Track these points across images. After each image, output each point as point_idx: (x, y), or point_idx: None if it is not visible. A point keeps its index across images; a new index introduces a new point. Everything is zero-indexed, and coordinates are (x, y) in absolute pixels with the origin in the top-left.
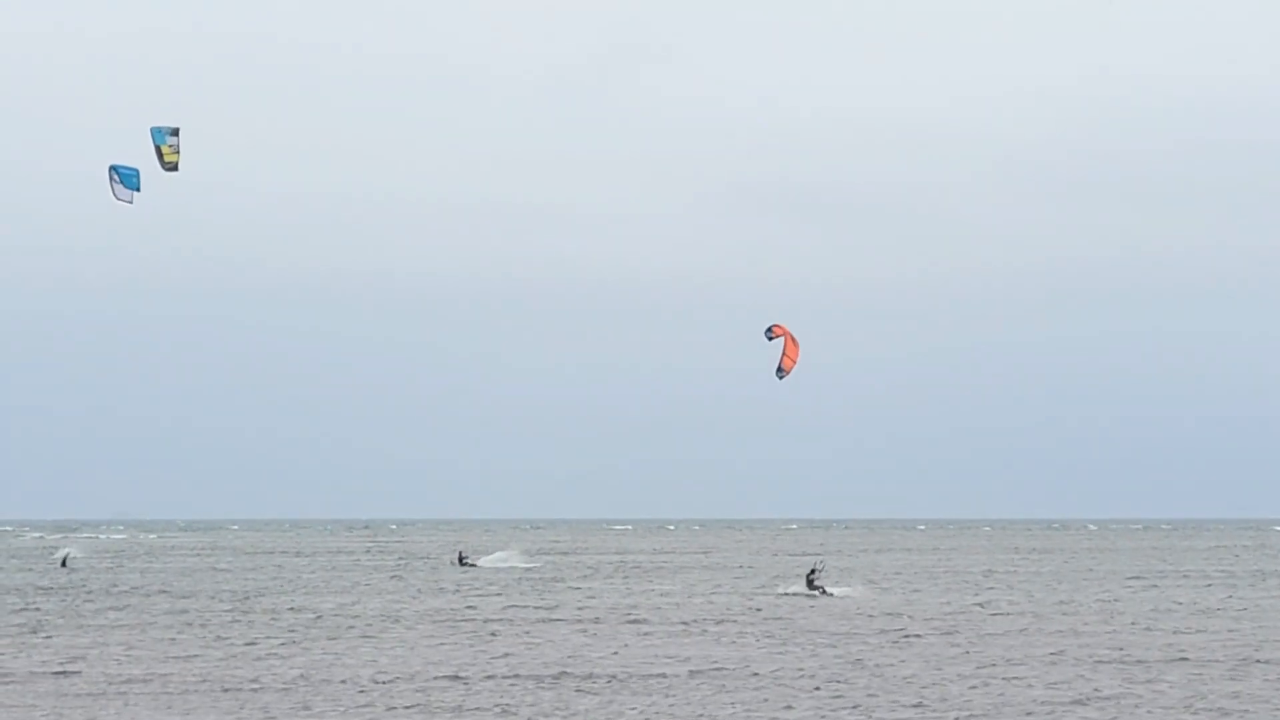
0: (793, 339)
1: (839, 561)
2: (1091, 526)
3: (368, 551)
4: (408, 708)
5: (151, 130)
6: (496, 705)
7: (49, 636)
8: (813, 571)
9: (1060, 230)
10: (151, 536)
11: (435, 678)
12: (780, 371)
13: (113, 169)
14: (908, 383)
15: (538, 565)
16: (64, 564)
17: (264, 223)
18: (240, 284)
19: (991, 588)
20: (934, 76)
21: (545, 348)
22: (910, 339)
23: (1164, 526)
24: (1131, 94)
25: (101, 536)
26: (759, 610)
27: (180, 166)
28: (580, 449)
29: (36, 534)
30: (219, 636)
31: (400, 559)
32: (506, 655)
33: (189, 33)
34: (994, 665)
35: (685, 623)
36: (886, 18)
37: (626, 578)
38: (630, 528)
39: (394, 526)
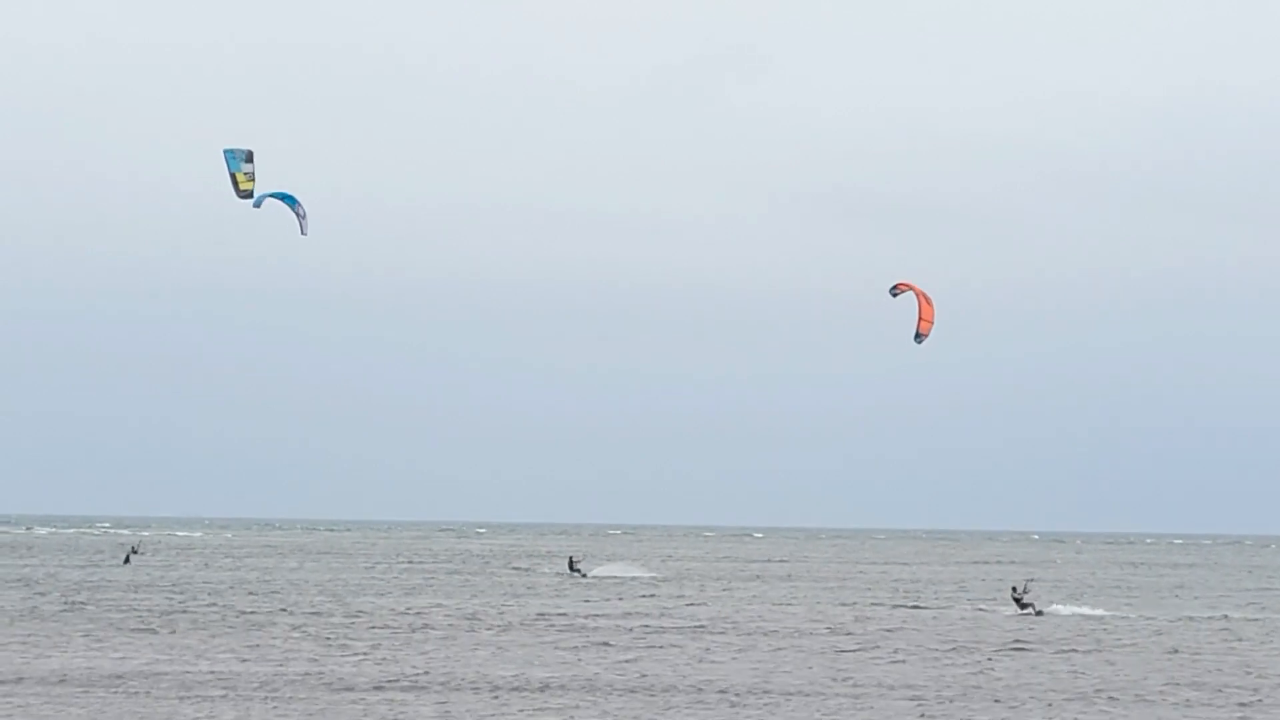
0: (926, 298)
1: (942, 573)
2: (1177, 540)
3: (482, 556)
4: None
5: (225, 154)
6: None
7: (162, 634)
8: (1015, 590)
9: (1139, 240)
10: (227, 534)
11: (549, 687)
12: (918, 336)
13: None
14: (981, 391)
15: (653, 575)
16: (127, 560)
17: (369, 231)
18: (316, 290)
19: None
20: (1013, 87)
21: (615, 355)
22: (980, 347)
23: (1248, 542)
24: (1215, 109)
25: (179, 534)
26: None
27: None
28: (654, 455)
29: (126, 530)
30: (326, 638)
31: (504, 563)
32: (630, 663)
33: (270, 43)
34: None
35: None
36: (973, 27)
37: (749, 583)
38: (711, 534)
39: (481, 530)
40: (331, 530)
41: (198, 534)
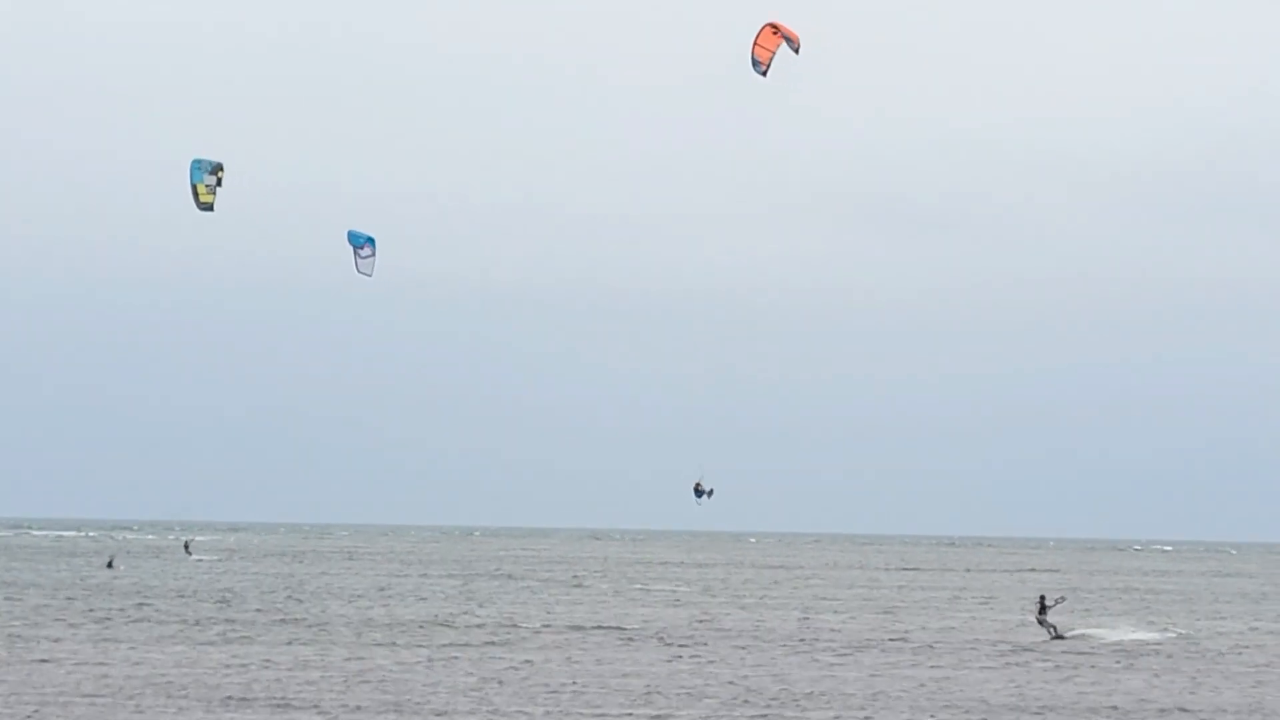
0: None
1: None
2: (1232, 551)
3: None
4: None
5: (191, 164)
6: None
7: (249, 642)
8: (1043, 600)
9: (1170, 249)
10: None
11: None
12: (757, 64)
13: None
14: (1006, 401)
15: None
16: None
17: (451, 231)
18: (387, 289)
19: None
20: (1059, 96)
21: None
22: (1000, 359)
23: None
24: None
25: (223, 538)
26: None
27: (216, 207)
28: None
29: (200, 534)
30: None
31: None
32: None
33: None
34: None
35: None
36: (1006, 38)
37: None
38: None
39: (641, 537)
40: (479, 534)
41: (210, 537)
